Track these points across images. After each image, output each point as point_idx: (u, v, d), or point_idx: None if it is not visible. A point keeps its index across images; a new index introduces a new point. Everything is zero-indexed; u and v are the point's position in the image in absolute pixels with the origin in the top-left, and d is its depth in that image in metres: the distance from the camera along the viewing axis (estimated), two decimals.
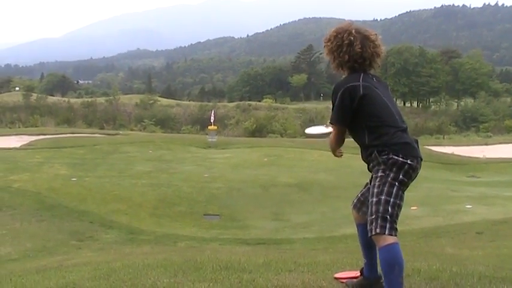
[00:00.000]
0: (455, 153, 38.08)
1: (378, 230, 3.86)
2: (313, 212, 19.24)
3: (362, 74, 4.16)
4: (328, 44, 4.32)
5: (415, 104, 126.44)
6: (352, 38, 4.17)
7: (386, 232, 3.84)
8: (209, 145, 39.10)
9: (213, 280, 4.78)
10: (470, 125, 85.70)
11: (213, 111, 48.43)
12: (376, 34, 4.31)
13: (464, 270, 5.29)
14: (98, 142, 37.73)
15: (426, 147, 37.28)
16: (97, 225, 15.80)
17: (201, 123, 70.57)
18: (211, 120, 43.12)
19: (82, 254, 11.17)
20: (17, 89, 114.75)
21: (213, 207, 19.80)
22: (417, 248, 9.33)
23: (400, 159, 3.93)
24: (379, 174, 3.98)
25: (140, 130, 64.53)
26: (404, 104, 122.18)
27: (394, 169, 3.93)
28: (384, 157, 3.97)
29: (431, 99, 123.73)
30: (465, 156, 36.26)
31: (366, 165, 4.20)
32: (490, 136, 64.16)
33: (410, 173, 3.97)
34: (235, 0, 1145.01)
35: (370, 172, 4.16)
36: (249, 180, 24.31)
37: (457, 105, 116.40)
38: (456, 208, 17.49)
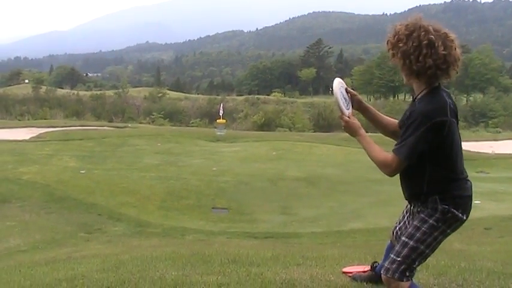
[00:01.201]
0: (464, 148, 37.69)
1: (396, 276, 3.47)
2: (321, 207, 19.22)
3: (448, 100, 3.41)
4: (400, 44, 3.39)
5: None
6: (432, 37, 3.33)
7: (404, 280, 3.47)
8: (217, 138, 39.10)
9: (221, 273, 4.78)
10: (479, 120, 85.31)
11: (221, 105, 48.40)
12: (453, 34, 3.50)
13: (472, 265, 5.28)
14: (107, 135, 37.78)
15: None
16: (105, 217, 15.86)
17: (209, 116, 70.48)
18: (220, 114, 43.10)
19: (90, 246, 11.20)
20: (27, 81, 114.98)
21: (221, 201, 19.83)
22: None
23: (459, 215, 3.43)
24: (431, 221, 3.46)
25: (149, 123, 64.57)
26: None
27: (448, 222, 3.45)
28: (445, 208, 3.43)
29: None
30: (474, 152, 36.05)
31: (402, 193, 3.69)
32: (499, 132, 63.92)
33: (458, 228, 3.56)
34: None
35: (409, 202, 3.71)
36: (257, 174, 24.31)
37: (466, 101, 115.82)
38: None
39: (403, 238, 3.53)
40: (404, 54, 3.35)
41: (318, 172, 24.94)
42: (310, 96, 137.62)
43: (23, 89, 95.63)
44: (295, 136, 44.23)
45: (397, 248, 3.54)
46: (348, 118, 3.69)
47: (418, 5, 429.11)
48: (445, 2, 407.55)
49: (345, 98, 3.81)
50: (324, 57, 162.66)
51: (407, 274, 3.45)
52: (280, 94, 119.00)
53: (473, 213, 11.82)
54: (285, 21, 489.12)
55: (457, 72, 3.42)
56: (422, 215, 3.48)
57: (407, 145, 3.31)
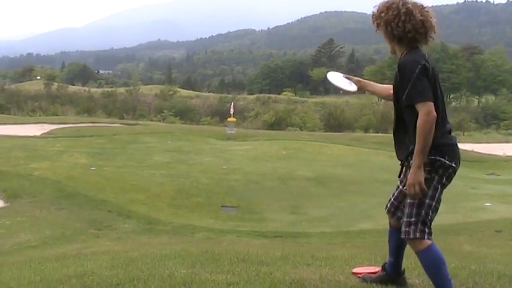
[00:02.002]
0: (475, 150, 37.73)
1: (417, 235, 3.72)
2: (331, 206, 19.21)
3: (425, 54, 3.78)
4: (382, 15, 3.83)
5: None
6: (410, 6, 3.75)
7: (426, 237, 3.71)
8: (228, 137, 39.10)
9: (230, 272, 4.78)
10: (490, 122, 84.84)
11: (232, 103, 48.38)
12: (429, 7, 3.88)
13: (483, 268, 5.25)
14: (118, 132, 37.86)
15: None
16: (115, 214, 15.91)
17: (220, 115, 70.50)
18: (231, 112, 43.10)
19: (100, 242, 11.24)
20: (39, 78, 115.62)
21: (231, 199, 19.84)
22: None
23: (447, 162, 3.74)
24: (424, 175, 3.69)
25: (160, 121, 64.67)
26: None
27: (440, 172, 3.75)
28: (432, 158, 3.72)
29: (451, 96, 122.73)
30: (485, 154, 35.94)
31: (398, 161, 4.02)
32: (511, 134, 63.58)
33: (452, 177, 3.82)
34: None
35: (402, 167, 4.00)
36: (267, 172, 24.30)
37: (478, 102, 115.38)
38: (475, 206, 17.38)
39: (407, 200, 3.80)
40: (386, 22, 3.81)
41: (328, 172, 24.91)
42: (321, 95, 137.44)
43: (35, 86, 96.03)
44: (306, 135, 44.19)
45: (406, 211, 3.80)
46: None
47: (430, 6, 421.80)
48: (457, 2, 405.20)
49: (348, 79, 4.41)
50: (336, 57, 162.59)
51: (427, 231, 3.71)
52: (291, 93, 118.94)
53: (483, 215, 11.81)
54: (297, 20, 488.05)
55: (433, 39, 3.86)
56: None
57: (414, 89, 3.64)
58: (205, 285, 4.33)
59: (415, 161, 3.64)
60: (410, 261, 4.73)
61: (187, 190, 20.47)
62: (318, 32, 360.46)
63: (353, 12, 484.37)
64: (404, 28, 3.74)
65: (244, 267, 5.05)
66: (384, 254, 4.66)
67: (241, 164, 26.55)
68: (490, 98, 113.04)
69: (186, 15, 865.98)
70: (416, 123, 3.64)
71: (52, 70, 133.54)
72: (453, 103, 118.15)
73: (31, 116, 58.62)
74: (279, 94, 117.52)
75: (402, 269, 4.31)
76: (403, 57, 3.81)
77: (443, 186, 3.79)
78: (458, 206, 17.69)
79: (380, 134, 48.39)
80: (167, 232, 13.54)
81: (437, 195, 3.76)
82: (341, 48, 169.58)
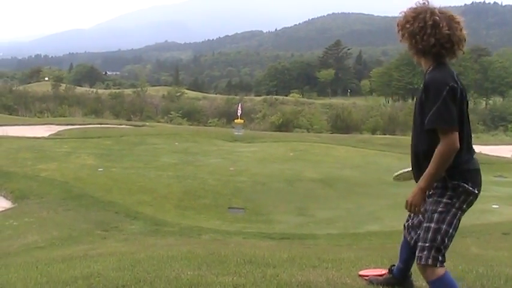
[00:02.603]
0: (483, 152, 37.59)
1: (429, 262, 3.58)
2: (338, 208, 19.17)
3: (454, 72, 3.69)
4: (407, 26, 3.69)
5: None
6: (437, 17, 3.61)
7: (438, 265, 3.58)
8: (235, 138, 39.08)
9: (236, 274, 4.79)
10: (498, 124, 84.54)
11: (239, 105, 48.39)
12: (459, 16, 3.78)
13: (490, 271, 5.24)
14: (125, 133, 37.92)
15: None
16: (122, 215, 15.91)
17: (227, 116, 70.53)
18: (238, 114, 43.08)
19: (107, 244, 11.25)
20: (46, 79, 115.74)
21: (238, 201, 19.83)
22: None
23: (470, 188, 3.60)
24: (445, 200, 3.62)
25: (167, 122, 64.73)
26: None
27: (462, 198, 3.61)
28: (455, 183, 3.60)
29: None
30: (493, 156, 35.77)
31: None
32: None
33: (473, 203, 3.70)
34: None
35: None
36: (274, 174, 24.29)
37: (486, 104, 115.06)
38: (482, 208, 17.30)
39: (424, 224, 3.66)
40: (411, 34, 3.66)
41: (335, 174, 24.88)
42: (329, 97, 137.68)
43: (43, 87, 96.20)
44: (313, 137, 44.16)
45: (421, 235, 3.66)
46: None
47: (438, 7, 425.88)
48: (465, 4, 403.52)
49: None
50: (343, 59, 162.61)
51: (440, 259, 3.57)
52: (299, 95, 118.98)
53: (491, 218, 11.76)
54: (304, 22, 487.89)
55: (463, 52, 3.75)
56: (435, 198, 3.64)
57: (438, 112, 3.45)
58: (212, 287, 4.33)
59: (421, 182, 3.56)
60: None
61: (194, 191, 20.48)
62: (325, 34, 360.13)
63: (360, 13, 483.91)
64: (429, 42, 3.61)
65: (250, 269, 5.06)
66: (390, 256, 4.67)
67: (248, 166, 26.55)
68: (498, 100, 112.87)
69: (193, 16, 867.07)
70: (425, 146, 3.61)
71: (60, 71, 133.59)
72: None
73: (39, 117, 58.78)
74: (286, 96, 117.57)
75: (409, 272, 4.31)
76: (429, 74, 3.66)
77: (463, 212, 3.67)
78: None
79: (387, 136, 48.34)
80: (174, 233, 13.54)
81: (455, 221, 3.62)
82: (348, 50, 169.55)
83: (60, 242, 11.97)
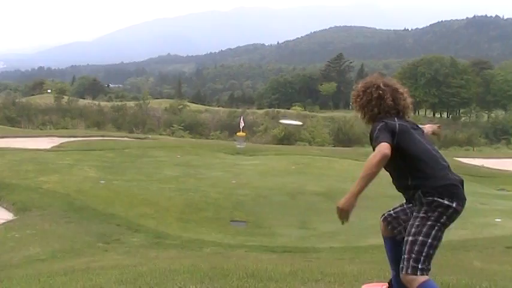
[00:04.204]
0: (485, 165, 37.57)
1: (409, 271, 3.87)
2: (340, 221, 19.10)
3: (396, 117, 4.18)
4: (358, 100, 4.32)
5: (444, 115, 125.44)
6: (381, 91, 4.20)
7: (418, 273, 3.85)
8: (237, 151, 39.07)
9: None
10: (500, 137, 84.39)
11: (242, 118, 48.39)
12: (402, 87, 4.36)
13: (494, 285, 5.23)
14: (127, 146, 37.93)
15: (455, 158, 36.87)
16: (124, 228, 15.88)
17: (229, 129, 70.53)
18: (241, 127, 43.08)
19: (109, 256, 11.23)
20: (49, 91, 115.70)
21: (240, 214, 19.79)
22: (444, 261, 9.22)
23: (446, 202, 3.88)
24: (421, 214, 3.95)
25: (169, 135, 64.76)
26: (434, 114, 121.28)
27: (437, 212, 3.89)
28: (429, 199, 3.92)
29: (461, 111, 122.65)
30: (495, 169, 35.76)
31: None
32: None
33: (454, 216, 3.94)
34: (266, 8, 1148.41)
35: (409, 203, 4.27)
36: (276, 187, 24.25)
37: (488, 117, 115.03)
38: (485, 221, 17.26)
39: (406, 238, 4.01)
40: (361, 107, 4.31)
41: (337, 187, 24.80)
42: (331, 110, 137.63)
43: (46, 99, 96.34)
44: (315, 150, 44.14)
45: (404, 248, 3.99)
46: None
47: (440, 21, 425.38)
48: (467, 17, 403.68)
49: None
50: (345, 72, 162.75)
51: (420, 267, 3.86)
52: (301, 108, 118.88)
53: (494, 231, 11.72)
54: (306, 35, 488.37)
55: (409, 117, 4.31)
56: (415, 213, 4.02)
57: (375, 136, 4.01)
58: None
59: (353, 187, 3.99)
60: None
61: (196, 204, 20.44)
62: (327, 47, 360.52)
63: (362, 27, 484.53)
64: (374, 112, 4.22)
65: (253, 283, 5.04)
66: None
67: (250, 179, 26.52)
68: (500, 113, 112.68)
69: (196, 29, 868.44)
70: (400, 178, 4.17)
71: (63, 84, 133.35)
72: (463, 118, 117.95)
73: (41, 129, 58.91)
74: (289, 109, 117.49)
75: None
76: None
77: (443, 225, 3.92)
78: (468, 221, 17.57)
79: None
80: (176, 246, 13.51)
81: (433, 233, 3.88)
82: (350, 63, 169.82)
83: (62, 255, 11.95)
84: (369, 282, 5.06)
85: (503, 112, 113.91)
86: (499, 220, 17.39)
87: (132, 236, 14.94)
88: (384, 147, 3.88)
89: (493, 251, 11.56)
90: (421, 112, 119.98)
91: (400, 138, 4.01)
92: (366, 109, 4.25)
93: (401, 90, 4.28)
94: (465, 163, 37.10)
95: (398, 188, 4.24)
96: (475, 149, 64.49)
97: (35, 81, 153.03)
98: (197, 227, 17.81)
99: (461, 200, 3.94)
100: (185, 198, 21.09)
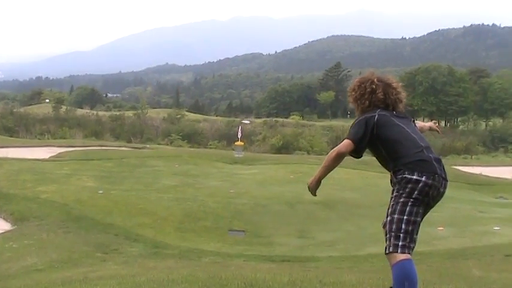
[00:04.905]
0: (483, 173, 37.55)
1: (390, 249, 4.03)
2: (339, 230, 19.10)
3: (380, 109, 4.50)
4: (353, 93, 4.69)
5: (442, 123, 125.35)
6: (374, 86, 4.53)
7: (399, 250, 3.98)
8: (235, 161, 39.03)
9: None
10: (498, 145, 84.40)
11: (240, 127, 48.37)
12: (397, 82, 4.70)
13: None
14: (125, 155, 37.90)
15: (453, 167, 36.83)
16: (122, 238, 15.83)
17: (227, 138, 70.48)
18: (239, 136, 43.06)
19: (107, 266, 11.20)
20: (47, 101, 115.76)
21: (238, 223, 19.74)
22: (443, 270, 9.22)
23: (414, 177, 4.05)
24: (394, 194, 4.18)
25: (167, 144, 64.68)
26: None
27: (408, 187, 4.06)
28: (399, 177, 4.13)
29: (459, 119, 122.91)
30: (493, 177, 35.74)
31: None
32: None
33: (427, 190, 4.06)
34: (264, 17, 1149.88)
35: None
36: (275, 196, 24.23)
37: (486, 125, 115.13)
38: (484, 229, 17.25)
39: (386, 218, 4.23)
40: (355, 100, 4.68)
41: (335, 196, 24.78)
42: (329, 119, 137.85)
43: (44, 109, 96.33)
44: (313, 159, 44.06)
45: (385, 229, 4.22)
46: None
47: (437, 29, 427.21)
48: (464, 26, 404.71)
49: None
50: (343, 81, 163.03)
51: (400, 244, 4.01)
52: (299, 117, 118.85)
53: (492, 239, 11.75)
54: (304, 44, 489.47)
55: (403, 111, 4.63)
56: (391, 196, 4.26)
57: (349, 132, 4.44)
58: None
59: (317, 172, 4.68)
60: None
61: (195, 214, 20.40)
62: (325, 56, 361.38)
63: (360, 36, 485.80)
64: (365, 104, 4.57)
65: None
66: (391, 278, 4.63)
67: (248, 188, 26.49)
68: (498, 121, 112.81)
69: (194, 39, 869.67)
70: (385, 166, 4.41)
71: (61, 93, 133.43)
72: (461, 126, 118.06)
73: (39, 139, 58.81)
74: (287, 118, 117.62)
75: None
76: None
77: (416, 200, 4.06)
78: (467, 230, 17.57)
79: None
80: (174, 256, 13.47)
81: (407, 209, 4.04)
82: (348, 72, 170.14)
83: (59, 265, 11.91)
84: None
85: (501, 120, 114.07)
86: (498, 228, 17.36)
87: (131, 245, 14.90)
88: (343, 146, 4.35)
89: (491, 259, 11.54)
90: (419, 121, 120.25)
91: (379, 126, 4.32)
92: (359, 102, 4.59)
93: (394, 85, 4.62)
94: (463, 171, 37.09)
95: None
96: (473, 157, 64.43)
97: (33, 90, 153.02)
98: (195, 237, 17.77)
99: (432, 173, 4.08)
100: (183, 208, 21.04)
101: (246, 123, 43.08)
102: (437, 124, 5.57)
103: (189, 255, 13.81)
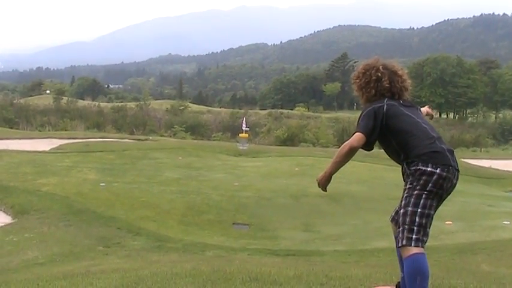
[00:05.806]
0: (493, 166, 37.33)
1: (404, 242, 3.97)
2: (345, 224, 18.93)
3: (387, 99, 4.36)
4: (357, 81, 4.54)
5: (451, 115, 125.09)
6: (379, 74, 4.41)
7: (412, 244, 3.93)
8: (240, 153, 38.95)
9: None
10: (508, 138, 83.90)
11: (244, 119, 48.23)
12: (402, 69, 4.58)
13: None
14: (128, 147, 37.83)
15: (462, 159, 36.63)
16: (124, 231, 15.67)
17: (231, 130, 70.45)
18: (243, 128, 42.90)
19: (109, 260, 11.06)
20: (48, 92, 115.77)
21: (242, 217, 19.60)
22: (452, 264, 9.06)
23: (429, 169, 3.98)
24: (407, 186, 4.08)
25: (170, 136, 64.67)
26: (440, 115, 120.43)
27: (422, 180, 3.98)
28: (412, 168, 4.04)
29: (468, 111, 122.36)
30: (503, 170, 35.55)
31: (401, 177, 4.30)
32: None
33: (441, 183, 3.99)
34: (269, 6, 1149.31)
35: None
36: (280, 189, 24.10)
37: (495, 117, 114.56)
38: (493, 224, 17.07)
39: (399, 212, 4.15)
40: (359, 87, 4.53)
41: (341, 189, 24.57)
42: (335, 111, 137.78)
43: (44, 100, 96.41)
44: (319, 152, 43.98)
45: (398, 222, 4.13)
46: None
47: (446, 19, 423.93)
48: (474, 16, 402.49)
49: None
50: (349, 72, 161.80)
51: (414, 237, 3.95)
52: (304, 109, 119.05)
53: (502, 234, 11.52)
54: (310, 34, 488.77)
55: (408, 99, 4.54)
56: (404, 188, 4.16)
57: (359, 125, 4.26)
58: None
59: (327, 168, 4.36)
60: None
61: (198, 207, 20.26)
62: (332, 47, 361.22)
63: (367, 26, 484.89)
64: (370, 93, 4.44)
65: (256, 287, 4.97)
66: (399, 272, 4.53)
67: (253, 181, 26.37)
68: (508, 113, 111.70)
69: (197, 29, 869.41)
70: (395, 157, 4.34)
71: (61, 84, 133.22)
72: (470, 118, 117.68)
73: (40, 131, 58.84)
74: (292, 109, 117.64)
75: None
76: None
77: (431, 193, 3.99)
78: (476, 224, 17.38)
79: None
80: (177, 250, 13.32)
81: (421, 201, 3.97)
82: (355, 62, 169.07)
83: (61, 258, 11.78)
84: (374, 286, 4.93)
85: (511, 112, 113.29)
86: (507, 222, 17.16)
87: (133, 239, 14.75)
88: (355, 140, 4.17)
89: (501, 254, 11.35)
90: None
91: (389, 116, 4.22)
92: (364, 90, 4.47)
93: (400, 72, 4.50)
94: (472, 164, 36.87)
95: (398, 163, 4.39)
96: (482, 150, 64.23)
97: (34, 81, 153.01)
98: (199, 230, 17.63)
99: (446, 165, 4.02)
100: (187, 201, 20.91)
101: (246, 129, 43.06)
102: (431, 108, 5.56)
103: (193, 248, 13.66)
